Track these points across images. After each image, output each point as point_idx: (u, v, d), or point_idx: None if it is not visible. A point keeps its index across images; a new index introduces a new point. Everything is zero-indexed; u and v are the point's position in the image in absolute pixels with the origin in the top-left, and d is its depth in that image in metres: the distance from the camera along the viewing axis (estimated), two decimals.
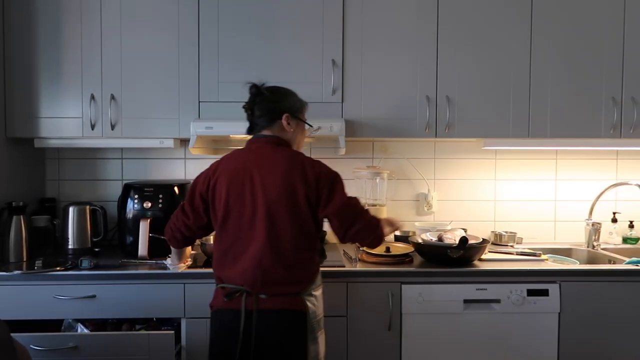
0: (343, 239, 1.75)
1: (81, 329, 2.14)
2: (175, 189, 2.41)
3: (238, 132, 2.29)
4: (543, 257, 2.34)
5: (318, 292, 1.77)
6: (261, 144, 1.76)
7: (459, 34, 2.38)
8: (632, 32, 2.40)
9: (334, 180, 1.71)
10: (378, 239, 1.78)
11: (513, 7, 2.39)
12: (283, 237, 1.66)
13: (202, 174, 1.80)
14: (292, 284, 1.68)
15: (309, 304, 1.70)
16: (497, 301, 2.12)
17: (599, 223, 2.64)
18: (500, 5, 2.39)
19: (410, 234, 2.64)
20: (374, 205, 2.65)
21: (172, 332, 1.97)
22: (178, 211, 1.84)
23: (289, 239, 1.66)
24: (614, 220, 2.76)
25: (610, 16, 2.40)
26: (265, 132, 1.78)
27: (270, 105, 1.78)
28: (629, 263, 2.25)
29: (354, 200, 1.75)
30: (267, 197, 1.65)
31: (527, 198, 2.81)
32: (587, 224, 2.66)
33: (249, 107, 1.80)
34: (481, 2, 2.38)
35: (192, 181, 1.85)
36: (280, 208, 1.65)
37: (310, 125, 1.90)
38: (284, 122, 1.77)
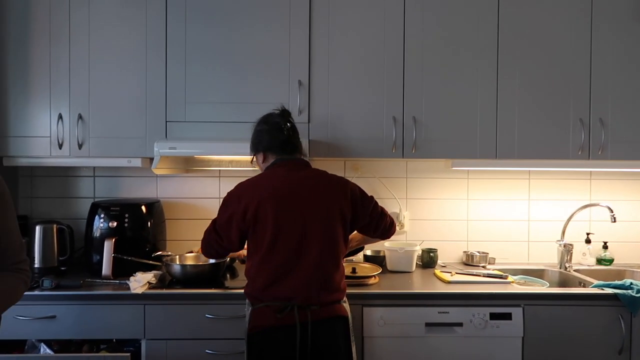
0: (377, 236, 2.02)
1: (44, 349, 2.13)
2: (143, 207, 2.42)
3: (202, 152, 2.31)
4: (510, 279, 2.32)
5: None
6: (298, 166, 1.89)
7: (425, 56, 2.39)
8: (599, 53, 2.40)
9: (364, 195, 1.94)
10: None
11: (480, 30, 2.40)
12: (337, 248, 1.81)
13: (233, 198, 1.83)
14: (339, 292, 1.82)
15: (347, 309, 1.85)
16: (460, 325, 2.10)
17: (571, 244, 2.62)
18: (467, 28, 2.40)
19: (381, 254, 2.63)
20: None
21: (128, 354, 1.96)
22: (211, 229, 1.89)
23: (340, 250, 1.83)
24: (588, 241, 2.74)
25: (578, 38, 2.40)
26: (297, 155, 1.94)
27: (298, 134, 1.97)
28: (595, 286, 2.22)
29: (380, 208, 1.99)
30: (319, 213, 1.79)
31: (500, 218, 2.80)
32: (560, 245, 2.64)
33: (291, 129, 1.92)
34: (447, 24, 2.39)
35: (222, 204, 1.86)
36: (332, 223, 1.80)
37: None
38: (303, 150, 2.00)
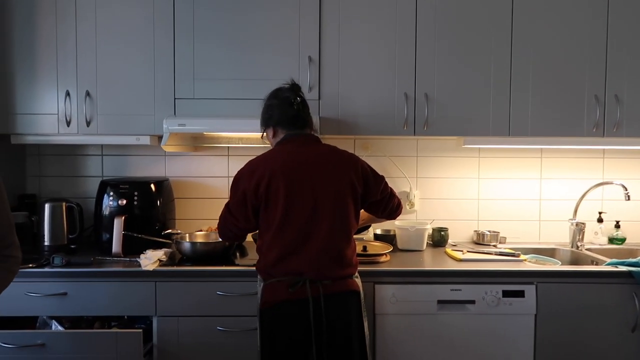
0: (384, 216, 2.02)
1: (55, 326, 2.14)
2: (152, 186, 2.40)
3: (211, 129, 2.29)
4: (522, 257, 2.30)
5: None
6: (308, 141, 1.86)
7: (438, 32, 2.34)
8: (616, 28, 2.35)
9: (375, 173, 1.93)
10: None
11: (493, 5, 2.34)
12: (348, 223, 1.80)
13: (244, 176, 1.79)
14: (351, 267, 1.81)
15: (359, 284, 1.85)
16: (472, 302, 2.09)
17: (583, 223, 2.60)
18: (480, 2, 2.34)
19: (392, 232, 2.62)
20: None
21: (140, 330, 1.96)
22: (225, 212, 1.85)
23: (352, 225, 1.83)
24: (600, 220, 2.72)
25: (594, 13, 2.35)
26: (307, 130, 1.90)
27: (307, 108, 1.92)
28: (609, 264, 2.20)
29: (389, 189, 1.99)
30: (330, 188, 1.77)
31: (512, 197, 2.77)
32: (571, 224, 2.62)
33: (301, 103, 1.88)
34: (459, 0, 2.34)
35: (232, 184, 1.83)
36: (343, 198, 1.79)
37: None
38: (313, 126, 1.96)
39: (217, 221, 1.92)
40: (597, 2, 2.34)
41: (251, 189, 1.75)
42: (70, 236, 2.41)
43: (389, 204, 1.97)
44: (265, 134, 1.96)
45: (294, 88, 1.90)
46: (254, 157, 1.86)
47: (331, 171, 1.80)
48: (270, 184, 1.74)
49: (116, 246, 2.24)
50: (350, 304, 1.78)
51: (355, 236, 2.42)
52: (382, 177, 1.95)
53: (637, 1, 2.34)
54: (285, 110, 1.86)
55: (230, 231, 1.88)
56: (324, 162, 1.81)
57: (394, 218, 2.06)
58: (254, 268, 1.86)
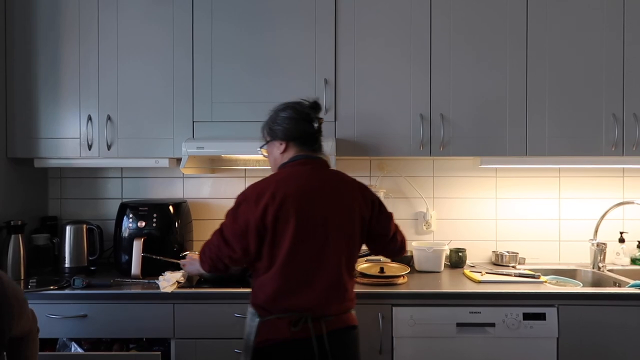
0: (382, 253, 1.90)
1: (75, 348, 2.15)
2: (170, 208, 2.43)
3: (229, 151, 2.31)
4: (542, 279, 2.27)
5: None
6: (323, 165, 1.74)
7: (453, 51, 2.36)
8: (633, 47, 2.34)
9: (382, 203, 1.80)
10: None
11: (508, 22, 2.36)
12: (354, 255, 1.72)
13: (249, 201, 1.61)
14: (351, 300, 1.72)
15: (356, 317, 1.75)
16: (492, 325, 2.06)
17: (604, 243, 2.55)
18: (495, 21, 2.36)
19: (409, 253, 2.60)
20: None
21: (158, 353, 1.96)
22: (219, 241, 1.64)
23: (356, 257, 1.73)
24: (622, 240, 2.67)
25: (610, 31, 2.35)
26: (319, 155, 1.76)
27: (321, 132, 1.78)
28: (632, 286, 2.16)
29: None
30: (342, 219, 1.65)
31: (530, 217, 2.74)
32: (592, 244, 2.57)
33: (320, 125, 1.74)
34: (475, 19, 2.36)
35: (231, 209, 1.65)
36: (353, 230, 1.68)
37: None
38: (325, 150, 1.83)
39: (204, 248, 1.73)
40: (613, 20, 2.34)
41: (257, 218, 1.57)
42: (91, 258, 2.44)
43: (390, 244, 1.82)
44: (267, 146, 1.79)
45: (316, 107, 1.74)
46: (260, 179, 1.69)
47: (343, 200, 1.67)
48: (280, 213, 1.57)
49: (135, 268, 2.26)
50: (352, 339, 1.69)
51: (371, 257, 2.43)
52: (390, 214, 1.82)
53: None
54: (304, 126, 1.70)
55: (222, 263, 1.67)
56: (336, 190, 1.68)
57: (398, 256, 1.98)
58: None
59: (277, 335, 1.60)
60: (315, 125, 1.71)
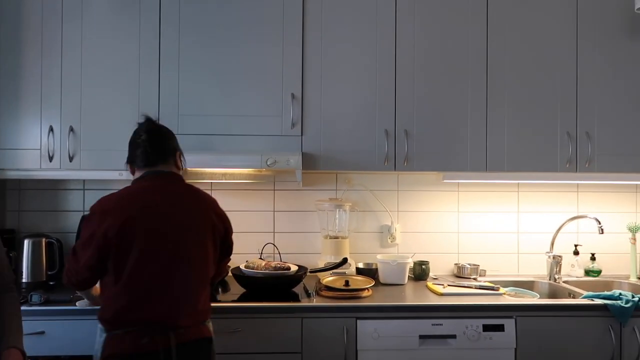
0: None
1: None
2: None
3: (195, 165, 2.31)
4: (501, 290, 2.34)
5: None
6: (165, 181, 1.75)
7: (417, 72, 2.43)
8: (585, 68, 2.47)
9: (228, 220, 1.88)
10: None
11: (470, 45, 2.45)
12: (206, 268, 1.75)
13: (96, 216, 1.64)
14: (205, 312, 1.75)
15: (211, 329, 1.77)
16: (453, 337, 2.11)
17: (560, 256, 2.66)
18: (457, 44, 2.45)
19: (374, 266, 2.64)
20: (336, 237, 2.64)
21: None
22: (71, 253, 1.70)
23: (209, 269, 1.77)
24: (576, 253, 2.78)
25: (564, 53, 2.47)
26: (162, 168, 1.77)
27: (165, 142, 1.80)
28: (585, 297, 2.25)
29: None
30: (191, 232, 1.70)
31: (490, 230, 2.83)
32: (549, 257, 2.67)
33: (147, 140, 1.76)
34: (436, 36, 2.44)
35: (84, 224, 1.70)
36: (204, 242, 1.73)
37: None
38: (177, 159, 1.82)
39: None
40: (568, 43, 2.47)
41: (102, 232, 1.60)
42: (50, 272, 2.38)
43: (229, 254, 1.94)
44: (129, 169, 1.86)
45: (145, 123, 1.81)
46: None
47: (191, 213, 1.73)
48: (125, 227, 1.60)
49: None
50: (205, 352, 1.70)
51: (336, 270, 2.45)
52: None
53: (604, 42, 2.47)
54: (134, 149, 1.78)
55: (74, 276, 1.69)
56: (184, 204, 1.73)
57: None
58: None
59: (124, 350, 1.60)
60: (142, 143, 1.75)
